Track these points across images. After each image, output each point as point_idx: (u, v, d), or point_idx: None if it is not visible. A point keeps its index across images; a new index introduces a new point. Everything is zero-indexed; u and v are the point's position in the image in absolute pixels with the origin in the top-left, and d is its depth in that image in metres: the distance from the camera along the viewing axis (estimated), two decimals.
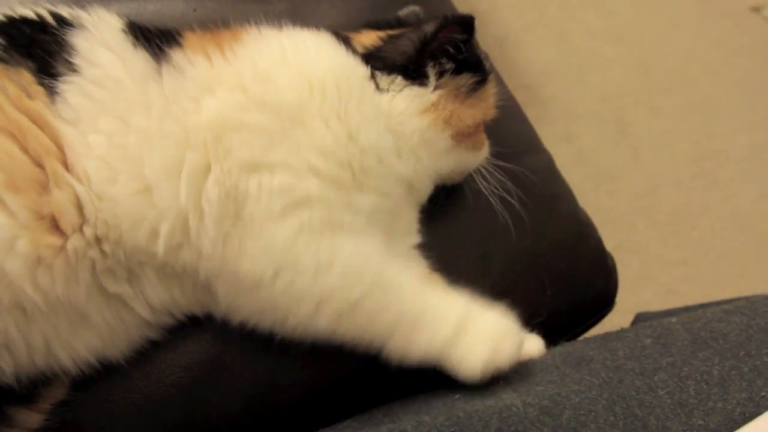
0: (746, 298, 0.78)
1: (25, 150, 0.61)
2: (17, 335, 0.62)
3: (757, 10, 2.58)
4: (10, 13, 0.68)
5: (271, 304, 0.69)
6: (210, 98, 0.67)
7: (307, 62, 0.73)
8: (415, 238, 0.83)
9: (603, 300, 1.01)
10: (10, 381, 0.64)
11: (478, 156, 0.84)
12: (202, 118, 0.66)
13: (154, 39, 0.69)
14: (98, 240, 0.64)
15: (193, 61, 0.69)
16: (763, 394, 0.59)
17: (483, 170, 0.86)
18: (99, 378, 0.71)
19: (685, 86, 2.27)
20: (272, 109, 0.68)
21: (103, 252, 0.64)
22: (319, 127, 0.70)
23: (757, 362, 0.62)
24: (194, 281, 0.71)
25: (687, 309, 0.86)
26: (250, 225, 0.66)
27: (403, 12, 0.92)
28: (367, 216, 0.72)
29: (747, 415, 0.58)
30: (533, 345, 0.74)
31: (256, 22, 0.78)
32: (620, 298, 1.03)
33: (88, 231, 0.63)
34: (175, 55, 0.69)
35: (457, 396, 0.70)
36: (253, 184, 0.66)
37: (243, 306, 0.70)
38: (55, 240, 0.61)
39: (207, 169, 0.66)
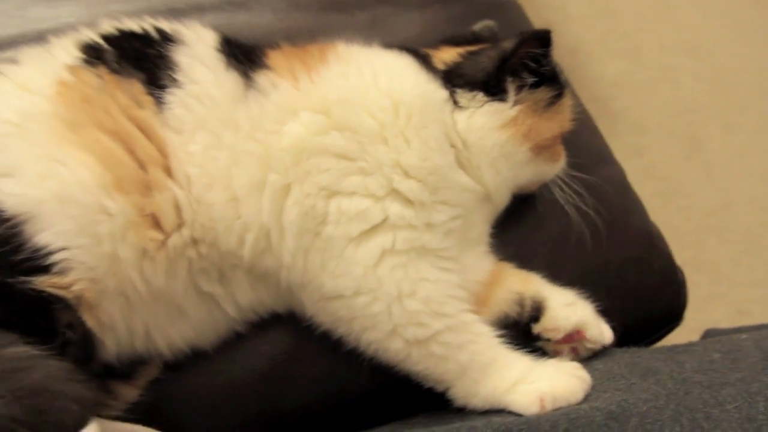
0: None
1: (132, 155, 0.67)
2: (120, 320, 0.68)
3: None
4: (119, 25, 0.75)
5: (348, 317, 0.72)
6: (293, 122, 0.72)
7: (396, 86, 0.75)
8: (485, 248, 0.85)
9: (671, 314, 1.00)
10: (113, 360, 0.70)
11: (556, 167, 0.86)
12: (284, 141, 0.71)
13: (243, 62, 0.74)
14: (195, 241, 0.70)
15: (277, 84, 0.73)
16: None
17: (559, 180, 0.87)
18: (188, 359, 0.77)
19: (760, 102, 2.19)
20: (352, 130, 0.72)
21: (199, 253, 0.70)
22: (401, 145, 0.73)
23: None
24: (277, 283, 0.75)
25: (758, 327, 0.85)
26: (330, 244, 0.71)
27: (478, 26, 0.94)
28: (444, 230, 0.74)
29: None
30: (606, 333, 0.79)
31: (338, 35, 0.82)
32: (688, 316, 1.02)
33: (185, 232, 0.69)
34: (260, 79, 0.73)
35: None
36: (331, 207, 0.71)
37: (324, 312, 0.75)
38: (157, 235, 0.67)
39: (287, 189, 0.71)
